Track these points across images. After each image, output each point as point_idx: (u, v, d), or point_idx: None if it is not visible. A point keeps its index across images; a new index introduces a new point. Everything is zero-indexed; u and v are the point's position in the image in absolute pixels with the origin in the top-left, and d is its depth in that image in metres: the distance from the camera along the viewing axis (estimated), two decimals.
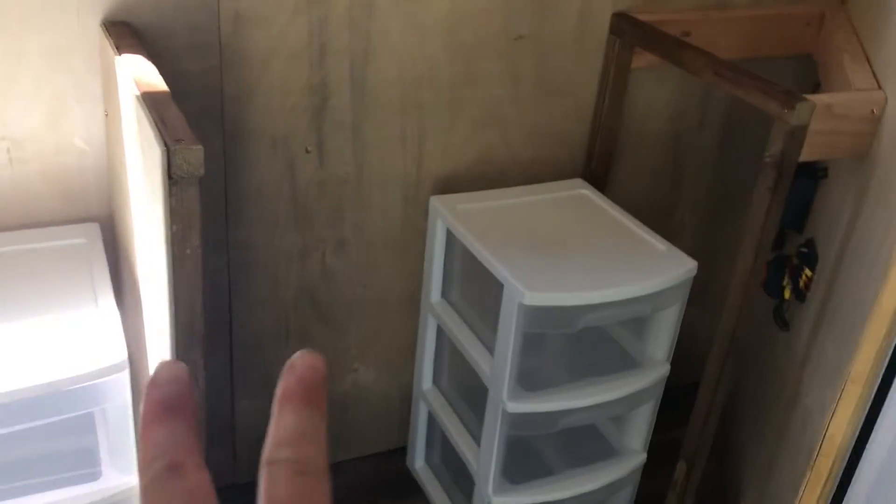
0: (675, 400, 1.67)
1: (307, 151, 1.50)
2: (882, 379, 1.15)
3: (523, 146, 1.70)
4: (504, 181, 1.71)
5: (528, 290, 1.33)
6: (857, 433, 1.20)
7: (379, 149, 1.56)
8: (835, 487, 1.25)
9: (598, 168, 1.73)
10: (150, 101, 0.99)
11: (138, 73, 1.07)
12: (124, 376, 1.10)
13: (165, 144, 0.89)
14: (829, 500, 1.26)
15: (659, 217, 1.90)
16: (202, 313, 0.99)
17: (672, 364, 1.56)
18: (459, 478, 1.70)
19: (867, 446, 1.19)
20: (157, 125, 0.93)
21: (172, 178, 0.90)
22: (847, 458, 1.22)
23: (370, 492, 1.80)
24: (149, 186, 0.98)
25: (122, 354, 1.08)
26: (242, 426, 1.70)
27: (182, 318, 0.98)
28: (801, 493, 1.28)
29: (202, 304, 0.98)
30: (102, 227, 1.37)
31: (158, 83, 1.04)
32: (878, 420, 1.17)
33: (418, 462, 1.83)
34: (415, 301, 1.72)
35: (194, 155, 0.90)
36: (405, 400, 1.84)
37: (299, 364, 0.30)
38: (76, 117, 1.32)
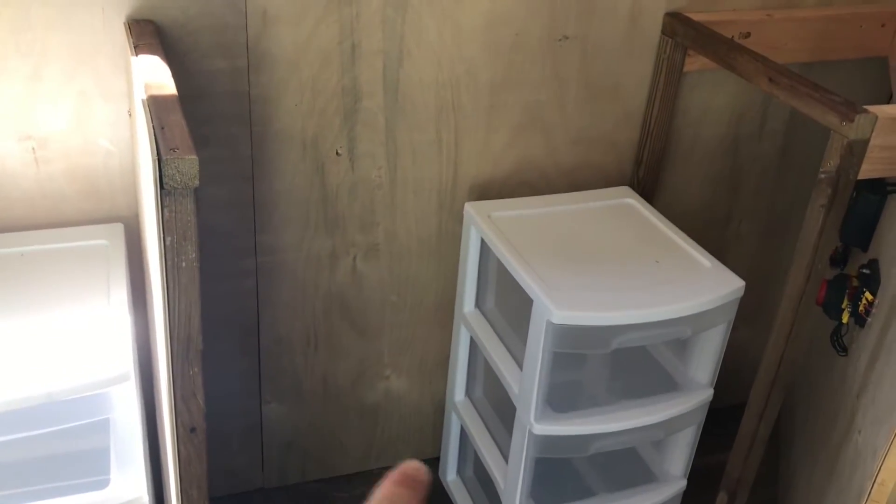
0: (724, 420, 1.57)
1: (338, 154, 1.45)
2: None
3: (567, 152, 1.62)
4: (547, 188, 1.63)
5: (557, 307, 1.25)
6: None
7: (413, 152, 1.51)
8: None
9: (646, 175, 1.64)
10: (153, 105, 0.95)
11: (148, 76, 1.04)
12: (129, 386, 1.07)
13: (158, 153, 0.86)
14: None
15: (713, 227, 1.80)
16: (200, 328, 0.95)
17: (723, 382, 1.47)
18: (490, 493, 1.64)
19: None
20: (154, 132, 0.89)
21: (165, 189, 0.86)
22: None
23: None
24: (149, 194, 0.95)
25: (127, 365, 1.06)
26: (270, 431, 1.67)
27: (178, 332, 0.94)
28: None
29: (200, 318, 0.94)
30: (128, 227, 1.36)
31: (167, 87, 1.01)
32: None
33: (450, 475, 1.78)
34: (449, 309, 1.67)
35: (188, 165, 0.86)
36: (439, 410, 1.79)
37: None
38: (101, 117, 1.30)
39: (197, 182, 0.87)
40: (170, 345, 0.95)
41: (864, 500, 1.15)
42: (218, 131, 1.37)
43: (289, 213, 1.47)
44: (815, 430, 1.63)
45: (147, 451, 1.17)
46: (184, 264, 0.90)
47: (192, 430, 1.02)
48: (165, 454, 1.19)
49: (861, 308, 1.41)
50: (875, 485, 1.13)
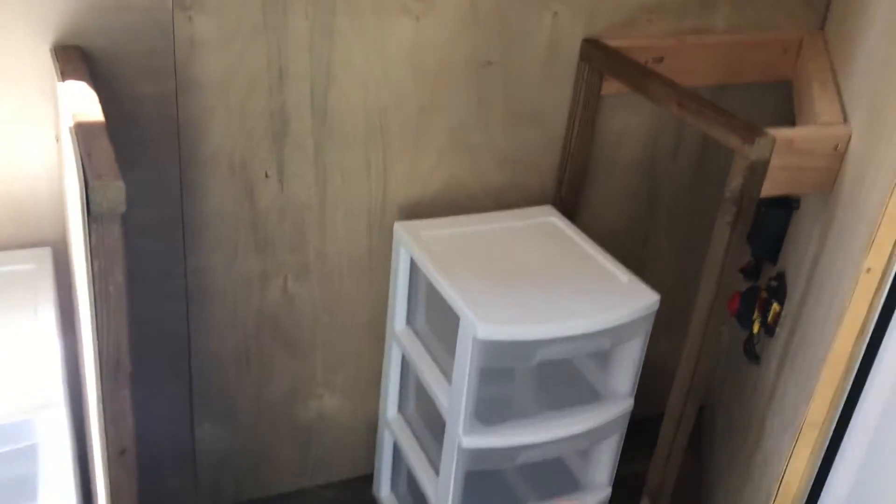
0: (649, 429, 1.63)
1: (266, 176, 1.48)
2: (837, 425, 1.12)
3: (493, 172, 1.67)
4: (474, 207, 1.68)
5: (483, 324, 1.30)
6: (813, 481, 1.17)
7: (342, 174, 1.54)
8: None
9: (568, 194, 1.70)
10: (80, 132, 0.97)
11: (74, 103, 1.05)
12: (58, 411, 1.07)
13: (85, 180, 0.87)
14: None
15: (632, 243, 1.87)
16: (128, 351, 0.96)
17: (646, 393, 1.53)
18: None
19: (822, 495, 1.16)
20: (81, 159, 0.91)
21: (92, 215, 0.87)
22: None
23: None
24: (76, 220, 0.96)
25: (55, 389, 1.06)
26: (203, 452, 1.68)
27: (107, 355, 0.95)
28: None
29: (128, 341, 0.96)
30: (56, 251, 1.36)
31: (93, 113, 1.03)
32: (833, 467, 1.14)
33: (384, 491, 1.80)
34: (381, 328, 1.70)
35: (115, 192, 0.88)
36: (372, 427, 1.81)
37: None
38: (28, 142, 1.30)
39: (124, 208, 0.89)
40: (99, 368, 0.97)
41: (772, 501, 1.21)
42: (146, 155, 1.38)
43: (218, 234, 1.49)
44: (731, 437, 1.71)
45: (77, 477, 1.17)
46: (111, 289, 0.92)
47: (122, 452, 1.03)
48: (96, 479, 1.19)
49: (770, 318, 1.49)
50: (781, 486, 1.20)
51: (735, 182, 1.23)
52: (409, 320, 1.62)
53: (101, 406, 1.00)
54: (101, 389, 0.98)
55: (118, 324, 0.94)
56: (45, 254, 1.33)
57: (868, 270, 1.04)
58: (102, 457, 1.04)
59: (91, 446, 1.24)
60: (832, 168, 1.27)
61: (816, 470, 1.14)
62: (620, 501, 1.62)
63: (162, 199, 1.42)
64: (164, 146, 1.38)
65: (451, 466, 1.42)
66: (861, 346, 1.07)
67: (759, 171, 1.22)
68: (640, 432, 1.64)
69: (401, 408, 1.71)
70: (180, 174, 1.42)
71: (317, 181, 1.52)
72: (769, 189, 1.24)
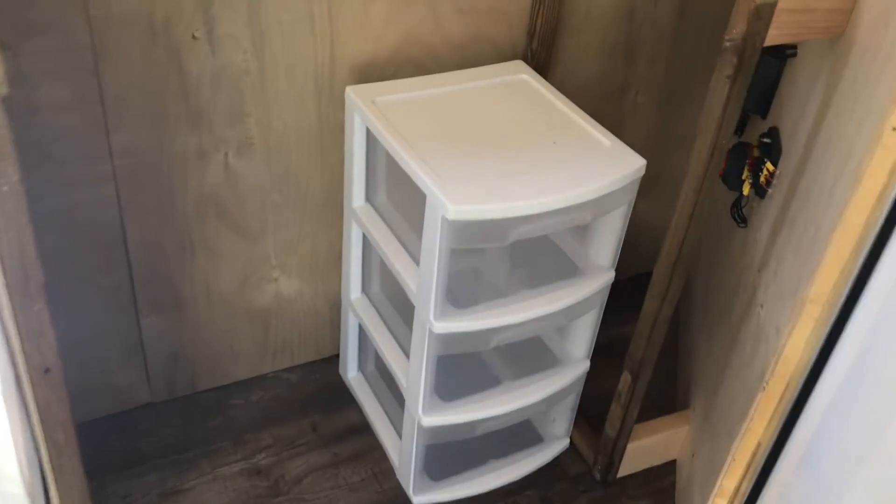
0: (623, 293, 1.53)
1: (194, 38, 1.28)
2: (845, 301, 1.02)
3: (455, 25, 1.48)
4: (435, 66, 1.50)
5: (453, 203, 1.16)
6: (815, 357, 1.08)
7: (282, 31, 1.34)
8: (787, 412, 1.14)
9: (540, 48, 1.53)
10: None
11: None
12: None
13: None
14: (781, 425, 1.16)
15: (610, 98, 1.72)
16: (37, 258, 0.81)
17: (620, 256, 1.41)
18: (392, 386, 1.59)
19: (824, 372, 1.07)
20: None
21: None
22: (803, 383, 1.11)
23: (301, 403, 1.68)
24: None
25: None
26: (152, 344, 1.55)
27: (12, 267, 0.80)
28: (751, 413, 1.17)
29: (34, 247, 0.80)
30: None
31: None
32: (838, 344, 1.05)
33: (351, 371, 1.71)
34: (338, 205, 1.55)
35: None
36: (335, 308, 1.70)
37: None
38: None
39: (6, 89, 0.71)
40: (6, 282, 0.82)
41: (768, 375, 1.13)
42: (48, 17, 1.17)
43: (143, 108, 1.30)
44: (714, 303, 1.63)
45: (17, 395, 1.04)
46: (5, 188, 0.75)
47: (47, 370, 0.90)
48: (28, 406, 1.06)
49: (762, 179, 1.37)
50: (780, 361, 1.11)
51: (737, 29, 1.07)
52: (369, 196, 1.47)
53: (16, 324, 0.85)
54: (13, 306, 0.83)
55: (19, 228, 0.79)
56: None
57: (895, 129, 0.91)
58: (27, 379, 0.90)
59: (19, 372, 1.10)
60: (846, 8, 1.11)
61: (820, 346, 1.06)
62: (598, 370, 1.54)
63: (73, 70, 1.22)
64: (68, 6, 1.17)
65: (423, 352, 1.32)
66: (878, 216, 0.96)
67: (765, 16, 1.06)
68: (614, 295, 1.55)
69: (364, 288, 1.59)
70: (91, 40, 1.21)
71: (253, 41, 1.32)
72: (775, 37, 1.09)
